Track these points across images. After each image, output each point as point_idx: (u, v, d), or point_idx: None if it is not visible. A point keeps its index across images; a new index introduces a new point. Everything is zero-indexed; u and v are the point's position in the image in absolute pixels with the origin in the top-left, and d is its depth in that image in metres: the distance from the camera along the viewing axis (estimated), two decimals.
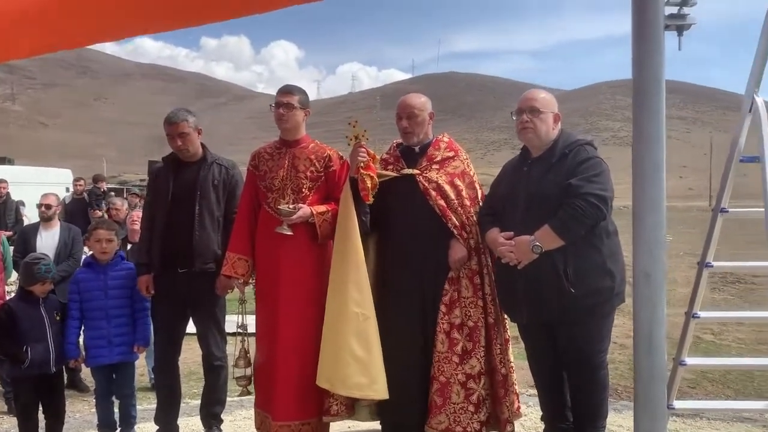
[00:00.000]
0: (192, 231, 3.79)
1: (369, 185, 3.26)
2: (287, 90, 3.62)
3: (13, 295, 5.70)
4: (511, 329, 3.60)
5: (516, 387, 3.52)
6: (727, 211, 3.26)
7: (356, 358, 3.21)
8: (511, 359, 3.52)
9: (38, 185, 9.20)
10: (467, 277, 3.39)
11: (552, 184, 3.08)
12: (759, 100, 3.06)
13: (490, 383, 3.40)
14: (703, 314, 3.34)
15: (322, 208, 3.54)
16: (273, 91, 3.87)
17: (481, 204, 3.51)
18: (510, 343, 3.56)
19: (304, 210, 3.48)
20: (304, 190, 3.57)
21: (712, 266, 3.29)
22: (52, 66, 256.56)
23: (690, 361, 3.42)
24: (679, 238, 17.48)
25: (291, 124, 3.61)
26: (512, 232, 3.12)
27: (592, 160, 3.07)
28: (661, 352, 1.95)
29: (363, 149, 3.32)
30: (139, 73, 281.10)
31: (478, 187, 3.58)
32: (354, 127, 3.40)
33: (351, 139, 3.38)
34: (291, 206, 3.47)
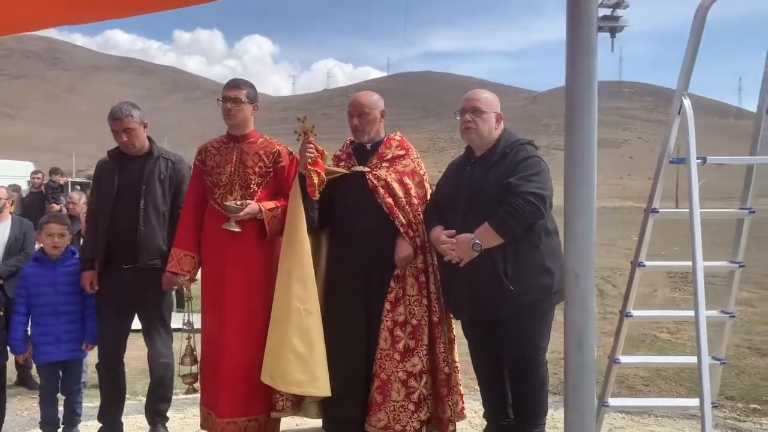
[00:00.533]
0: (137, 226, 3.72)
1: (316, 181, 3.24)
2: (234, 84, 3.58)
3: None
4: (457, 327, 3.62)
5: (460, 387, 3.53)
6: (658, 212, 3.33)
7: (297, 354, 3.20)
8: (456, 359, 3.54)
9: None
10: (413, 275, 3.40)
11: (492, 182, 3.11)
12: (686, 102, 3.11)
13: (433, 382, 3.41)
14: (636, 313, 3.41)
15: (270, 204, 3.51)
16: None
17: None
18: (455, 342, 3.57)
19: (252, 206, 3.44)
20: (252, 185, 3.54)
21: (644, 266, 3.37)
22: (21, 57, 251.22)
23: (624, 359, 3.49)
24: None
25: (239, 119, 3.57)
26: (454, 231, 3.14)
27: (531, 159, 3.11)
28: (590, 349, 1.97)
29: (311, 145, 3.31)
30: (111, 66, 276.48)
31: (428, 186, 3.59)
32: (303, 122, 3.38)
33: (300, 135, 3.36)
34: (239, 202, 3.44)
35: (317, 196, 3.29)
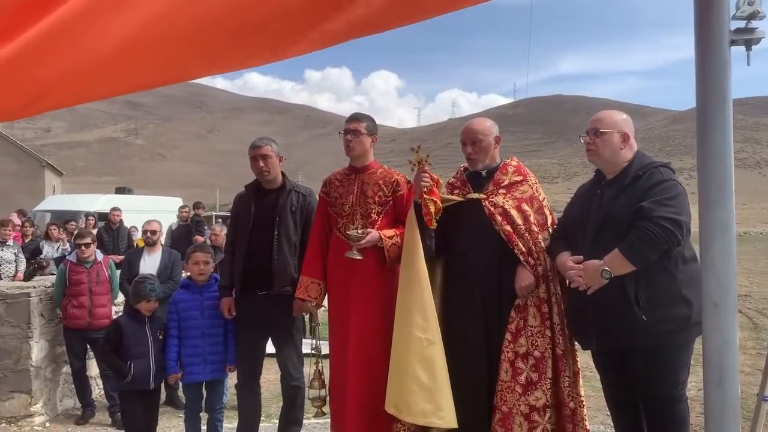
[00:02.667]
0: (271, 255, 3.94)
1: (432, 210, 3.25)
2: (355, 117, 3.73)
3: (119, 314, 6.17)
4: (581, 357, 3.45)
5: (586, 422, 3.34)
6: None
7: (420, 384, 3.18)
8: (582, 393, 3.36)
9: (151, 212, 9.86)
10: (535, 306, 3.29)
11: (623, 207, 2.97)
12: None
13: (557, 417, 3.26)
14: None
15: (390, 232, 3.58)
16: None
17: (551, 230, 3.42)
18: (580, 375, 3.40)
19: (373, 234, 3.53)
20: (372, 214, 3.64)
21: None
22: (171, 102, 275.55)
23: None
24: None
25: (358, 151, 3.70)
26: (582, 257, 3.03)
27: (667, 182, 2.93)
28: (732, 385, 1.84)
29: (426, 174, 3.32)
30: (250, 107, 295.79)
31: (548, 212, 3.49)
32: (417, 152, 3.42)
33: (414, 165, 3.40)
34: (360, 231, 3.54)
35: (434, 225, 3.29)
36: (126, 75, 1.61)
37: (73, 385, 5.76)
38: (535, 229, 3.36)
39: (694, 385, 3.12)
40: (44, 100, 1.62)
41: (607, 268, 2.89)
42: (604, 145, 3.08)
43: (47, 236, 9.81)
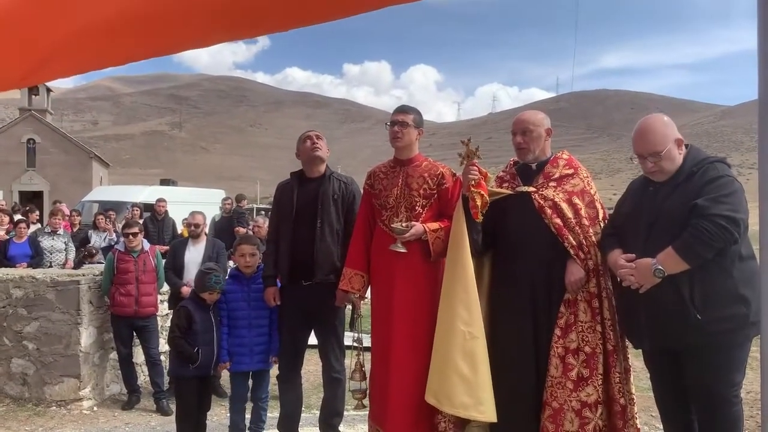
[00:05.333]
0: (314, 243, 3.96)
1: (479, 203, 3.21)
2: (402, 109, 3.71)
3: (165, 304, 6.29)
4: (631, 356, 3.38)
5: (637, 420, 3.28)
6: None
7: (462, 376, 3.16)
8: (633, 390, 3.29)
9: (194, 204, 10.02)
10: (585, 300, 3.22)
11: (677, 204, 2.87)
12: None
13: (608, 414, 3.19)
14: None
15: (434, 225, 3.55)
16: None
17: (602, 224, 3.34)
18: (631, 372, 3.33)
19: (417, 228, 3.51)
20: (417, 207, 3.61)
21: None
22: (214, 96, 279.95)
23: None
24: None
25: (405, 142, 3.68)
26: (634, 255, 2.95)
27: (723, 178, 2.83)
28: None
29: (475, 167, 3.27)
30: (290, 101, 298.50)
31: (599, 206, 3.40)
32: (467, 145, 3.38)
33: (464, 158, 3.36)
34: (404, 224, 3.52)
35: (480, 218, 3.25)
36: (125, 44, 1.63)
37: (119, 371, 5.91)
38: (586, 222, 3.29)
39: (743, 387, 3.01)
40: (45, 69, 1.64)
41: (660, 267, 2.80)
42: (667, 163, 2.98)
43: (95, 226, 10.07)
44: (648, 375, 3.29)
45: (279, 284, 4.19)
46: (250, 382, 4.47)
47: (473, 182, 3.24)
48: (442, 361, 3.25)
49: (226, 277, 4.50)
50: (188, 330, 4.17)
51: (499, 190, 3.46)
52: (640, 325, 3.00)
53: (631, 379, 3.32)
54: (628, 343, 3.28)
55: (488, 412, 3.14)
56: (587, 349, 3.18)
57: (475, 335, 3.19)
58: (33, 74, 1.67)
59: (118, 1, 1.51)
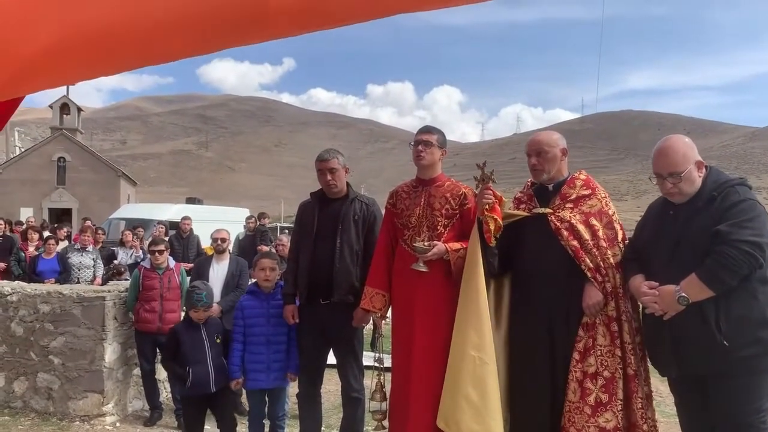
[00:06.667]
0: (333, 263, 3.98)
1: (492, 228, 3.21)
2: (426, 129, 3.75)
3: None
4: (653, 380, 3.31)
5: None
6: None
7: (470, 402, 3.14)
8: (655, 417, 3.22)
9: (219, 222, 10.13)
10: (604, 324, 3.18)
11: (699, 229, 2.84)
12: None
13: None
14: None
15: (456, 245, 3.55)
16: None
17: (622, 246, 3.31)
18: (653, 398, 3.27)
19: (439, 247, 3.51)
20: (439, 227, 3.62)
21: None
22: (240, 116, 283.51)
23: None
24: None
25: (428, 161, 3.70)
26: (656, 283, 2.91)
27: (745, 202, 2.79)
28: None
29: (489, 191, 3.29)
30: (315, 121, 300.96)
31: (618, 227, 3.37)
32: (482, 169, 3.39)
33: (479, 182, 3.37)
34: (426, 243, 3.53)
35: (493, 242, 3.25)
36: (110, 55, 1.61)
37: (142, 387, 5.95)
38: (604, 244, 3.26)
39: None
40: (27, 80, 1.62)
41: (684, 294, 2.77)
42: (686, 184, 2.95)
43: (122, 243, 10.22)
44: (674, 400, 3.23)
45: (298, 302, 4.20)
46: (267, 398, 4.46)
47: (487, 206, 3.25)
48: (453, 385, 3.24)
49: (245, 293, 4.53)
50: (177, 351, 4.22)
51: (515, 212, 3.45)
52: (666, 353, 2.96)
53: (654, 404, 3.25)
54: (651, 367, 3.22)
55: None
56: (606, 373, 3.14)
57: (486, 361, 3.17)
58: (14, 84, 1.64)
59: (107, 9, 1.51)
